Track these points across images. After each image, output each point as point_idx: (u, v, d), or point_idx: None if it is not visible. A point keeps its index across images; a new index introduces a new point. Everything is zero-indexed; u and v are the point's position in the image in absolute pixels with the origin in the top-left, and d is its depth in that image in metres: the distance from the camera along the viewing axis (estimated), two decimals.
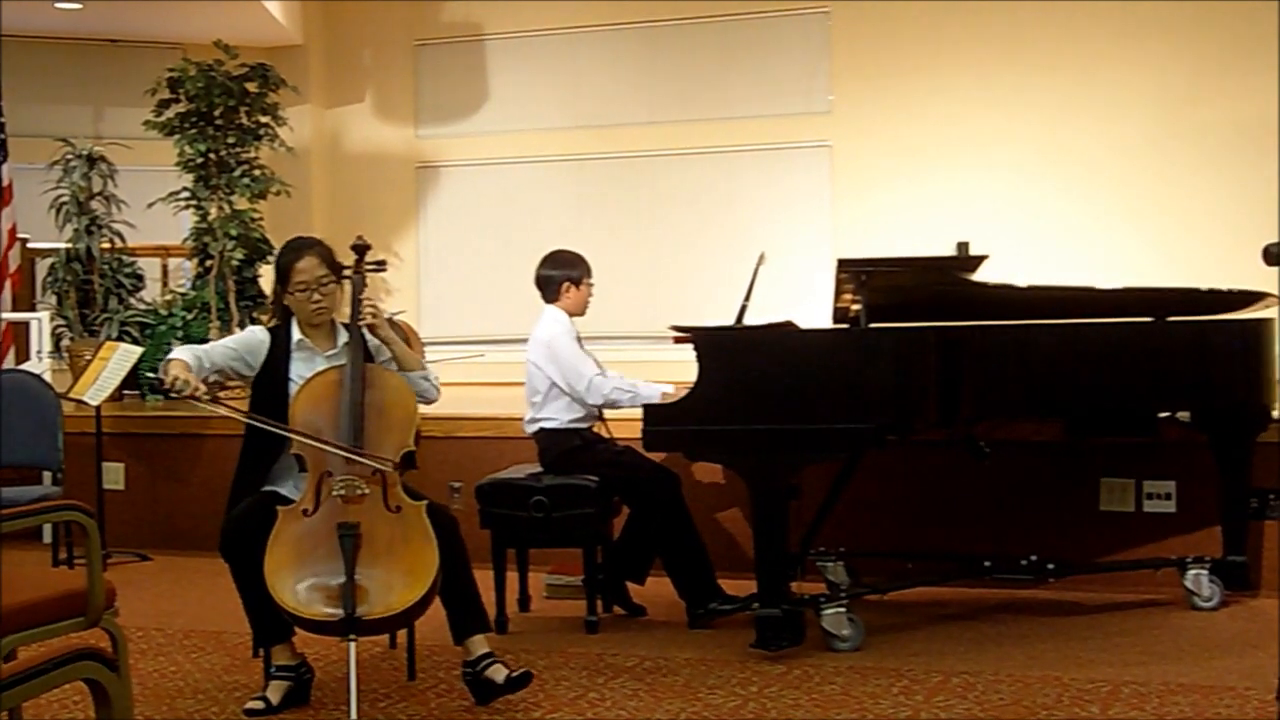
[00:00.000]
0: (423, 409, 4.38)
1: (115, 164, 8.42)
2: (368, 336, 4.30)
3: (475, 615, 4.14)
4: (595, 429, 5.31)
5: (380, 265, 4.52)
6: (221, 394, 5.28)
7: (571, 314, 5.31)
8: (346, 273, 4.35)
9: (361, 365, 4.17)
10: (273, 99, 8.36)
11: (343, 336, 4.32)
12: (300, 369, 4.25)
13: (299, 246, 4.31)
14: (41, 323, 7.95)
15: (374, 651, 4.71)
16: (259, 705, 4.06)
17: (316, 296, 4.24)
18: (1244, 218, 7.96)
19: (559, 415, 5.21)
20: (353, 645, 3.79)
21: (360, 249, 4.42)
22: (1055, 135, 8.71)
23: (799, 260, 8.64)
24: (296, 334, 4.30)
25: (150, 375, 7.86)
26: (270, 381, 4.26)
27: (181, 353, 4.19)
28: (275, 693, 4.09)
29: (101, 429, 6.55)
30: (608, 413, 5.31)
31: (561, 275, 5.31)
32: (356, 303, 4.28)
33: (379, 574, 3.84)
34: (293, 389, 4.19)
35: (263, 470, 4.24)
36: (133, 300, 8.55)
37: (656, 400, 4.93)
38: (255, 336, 4.36)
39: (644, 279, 9.29)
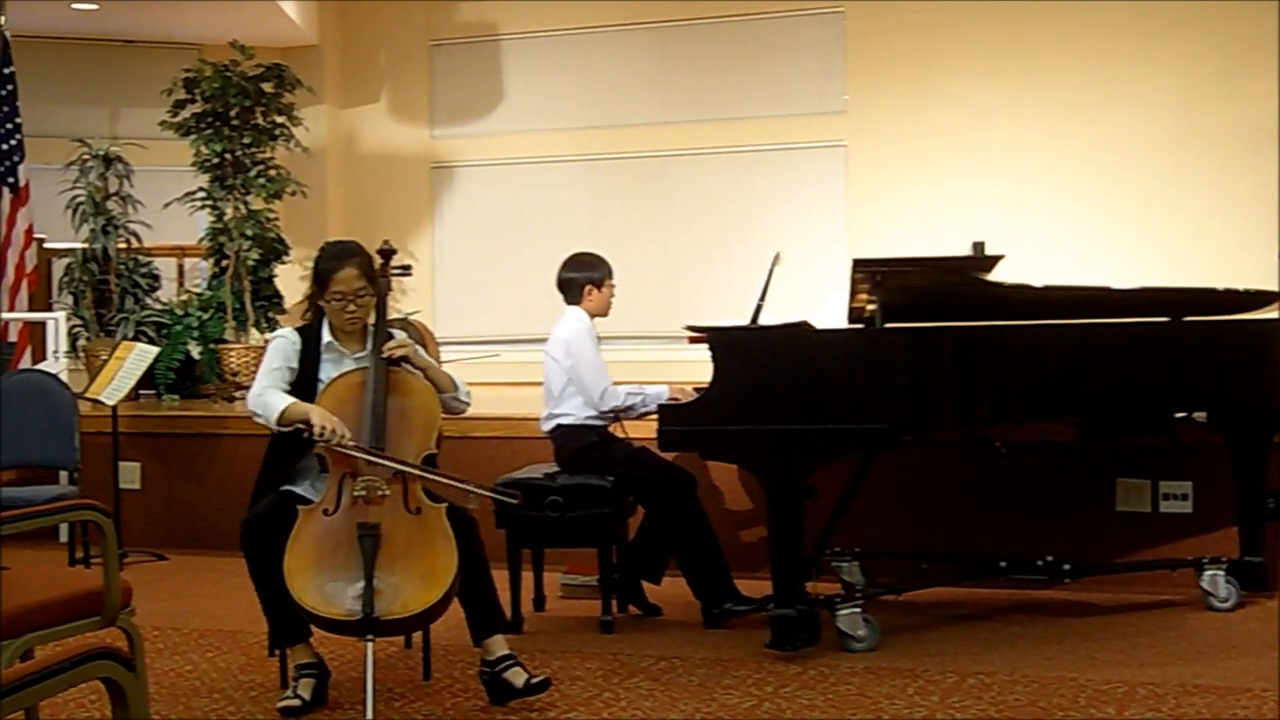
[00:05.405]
0: None
1: (131, 164, 8.45)
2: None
3: (494, 616, 4.15)
4: (611, 428, 5.31)
5: (406, 270, 4.61)
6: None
7: (594, 315, 5.31)
8: None
9: (385, 368, 4.17)
10: (288, 99, 8.39)
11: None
12: (329, 370, 4.25)
13: (340, 254, 4.25)
14: (58, 323, 7.97)
15: (390, 651, 4.71)
16: (295, 703, 4.05)
17: (352, 308, 4.21)
18: (1257, 219, 7.93)
19: (576, 411, 5.20)
20: (369, 645, 3.80)
21: (386, 254, 4.47)
22: (1070, 135, 8.69)
23: (814, 260, 8.64)
24: (326, 336, 4.30)
25: (170, 374, 7.90)
26: (300, 383, 4.24)
27: (280, 395, 4.10)
28: (306, 690, 4.09)
29: (118, 428, 6.57)
30: None
31: (583, 278, 5.30)
32: (382, 308, 4.30)
33: (398, 575, 3.85)
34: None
35: (287, 469, 4.24)
36: (149, 300, 8.58)
37: (665, 400, 4.93)
38: (288, 341, 4.31)
39: (659, 279, 9.30)
